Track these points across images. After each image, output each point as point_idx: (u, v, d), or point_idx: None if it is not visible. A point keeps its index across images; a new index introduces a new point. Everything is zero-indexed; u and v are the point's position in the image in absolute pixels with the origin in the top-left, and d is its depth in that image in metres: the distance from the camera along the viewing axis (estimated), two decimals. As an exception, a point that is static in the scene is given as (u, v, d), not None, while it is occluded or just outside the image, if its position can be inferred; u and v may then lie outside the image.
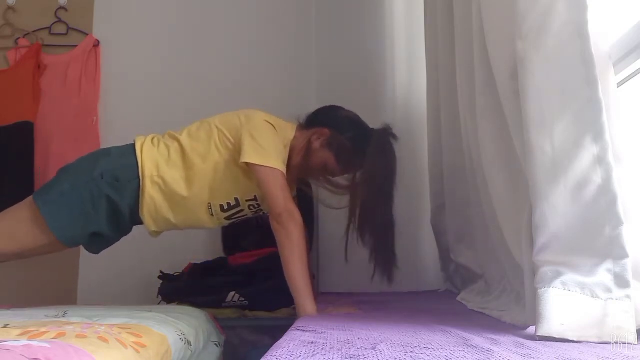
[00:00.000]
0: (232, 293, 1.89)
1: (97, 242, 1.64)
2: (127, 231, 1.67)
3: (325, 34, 2.46)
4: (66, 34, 2.54)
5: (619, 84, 1.13)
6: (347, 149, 1.58)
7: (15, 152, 2.35)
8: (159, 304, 1.91)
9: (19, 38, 2.51)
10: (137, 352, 0.96)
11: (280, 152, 1.53)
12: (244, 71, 2.55)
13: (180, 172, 1.56)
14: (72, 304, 1.84)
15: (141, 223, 1.62)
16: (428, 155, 1.98)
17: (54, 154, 2.41)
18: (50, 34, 2.53)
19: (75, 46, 2.51)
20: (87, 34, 2.53)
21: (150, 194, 1.55)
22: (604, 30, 0.94)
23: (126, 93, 2.53)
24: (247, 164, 1.49)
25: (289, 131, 1.61)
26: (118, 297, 2.18)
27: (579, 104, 0.88)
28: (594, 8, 0.89)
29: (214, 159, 1.55)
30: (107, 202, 1.54)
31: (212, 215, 1.60)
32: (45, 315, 1.24)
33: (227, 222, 1.66)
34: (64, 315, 1.24)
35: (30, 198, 1.58)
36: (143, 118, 2.51)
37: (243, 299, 1.91)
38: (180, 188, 1.55)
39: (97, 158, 1.63)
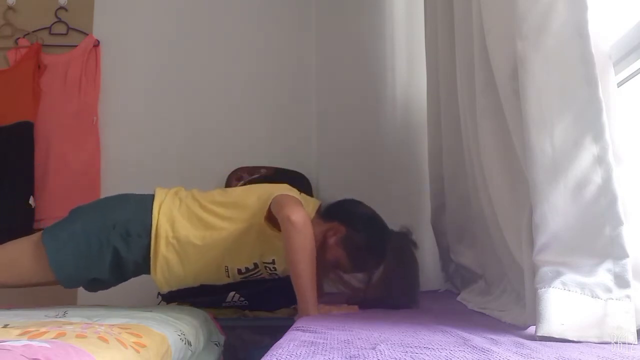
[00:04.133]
0: (232, 293, 1.89)
1: (96, 286, 1.64)
2: (126, 279, 1.66)
3: (326, 34, 2.46)
4: (66, 34, 2.54)
5: (619, 84, 1.13)
6: (360, 249, 1.52)
7: (15, 152, 2.36)
8: (159, 304, 1.91)
9: (19, 38, 2.51)
10: (137, 352, 0.96)
11: (302, 201, 1.51)
12: (244, 71, 2.55)
13: (199, 232, 1.54)
14: (72, 304, 1.84)
15: (143, 273, 1.61)
16: (428, 155, 1.98)
17: (54, 154, 2.41)
18: (50, 34, 2.53)
19: (75, 46, 2.51)
20: (87, 34, 2.53)
21: (164, 254, 1.53)
22: (604, 30, 0.94)
23: (126, 93, 2.53)
24: (269, 216, 1.48)
25: (312, 205, 1.59)
26: (118, 297, 2.17)
27: (579, 104, 0.88)
28: (594, 8, 0.89)
29: (235, 224, 1.54)
30: (114, 253, 1.53)
31: (228, 277, 1.61)
32: (45, 315, 1.24)
33: (241, 280, 1.65)
34: (64, 315, 1.24)
35: (39, 234, 1.57)
36: (143, 118, 2.51)
37: (243, 299, 1.90)
38: (196, 248, 1.54)
39: (113, 206, 1.61)
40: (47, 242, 1.52)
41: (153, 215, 1.54)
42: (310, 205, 1.58)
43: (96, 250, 1.52)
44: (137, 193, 1.65)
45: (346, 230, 1.53)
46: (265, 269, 1.60)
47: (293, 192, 1.56)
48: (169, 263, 1.54)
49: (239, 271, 1.59)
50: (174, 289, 1.64)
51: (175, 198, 1.59)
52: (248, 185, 1.68)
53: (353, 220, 1.56)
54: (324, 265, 1.54)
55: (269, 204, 1.49)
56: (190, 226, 1.54)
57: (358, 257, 1.53)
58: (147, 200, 1.58)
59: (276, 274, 1.62)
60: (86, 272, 1.55)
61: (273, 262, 1.58)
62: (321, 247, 1.50)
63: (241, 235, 1.53)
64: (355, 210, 1.60)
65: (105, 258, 1.53)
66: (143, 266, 1.56)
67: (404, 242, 1.51)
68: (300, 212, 1.39)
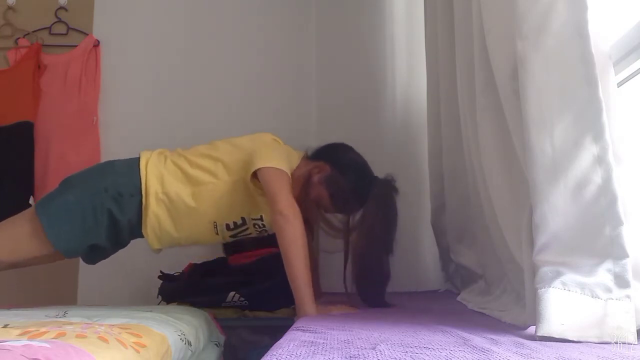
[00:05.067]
0: (232, 293, 1.89)
1: (95, 254, 1.64)
2: (124, 244, 1.68)
3: (326, 35, 2.46)
4: (66, 34, 2.54)
5: (619, 84, 1.13)
6: (344, 190, 1.56)
7: (15, 152, 2.36)
8: (159, 304, 1.91)
9: (19, 38, 2.51)
10: (137, 352, 0.96)
11: (287, 163, 1.53)
12: (244, 71, 2.55)
13: (187, 189, 1.56)
14: (72, 304, 1.84)
15: (140, 237, 1.62)
16: (428, 155, 1.98)
17: (54, 154, 2.41)
18: (50, 34, 2.53)
19: (75, 46, 2.51)
20: (87, 34, 2.52)
21: (155, 211, 1.55)
22: (604, 30, 0.94)
23: (126, 93, 2.53)
24: (255, 173, 1.49)
25: (295, 158, 1.61)
26: (118, 297, 2.18)
27: (579, 104, 0.88)
28: (594, 8, 0.89)
29: (222, 178, 1.56)
30: (109, 216, 1.54)
31: (217, 233, 1.61)
32: (45, 315, 1.24)
33: (231, 239, 1.67)
34: (64, 315, 1.24)
35: (32, 208, 1.59)
36: (143, 118, 2.51)
37: (243, 299, 1.91)
38: (187, 202, 1.55)
39: (102, 171, 1.63)
40: (42, 214, 1.53)
41: (141, 174, 1.56)
42: (295, 156, 1.61)
43: (91, 216, 1.53)
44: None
45: (331, 170, 1.58)
46: (254, 226, 1.61)
47: (278, 146, 1.57)
48: (159, 219, 1.56)
49: (227, 227, 1.60)
50: (166, 246, 1.65)
51: (160, 156, 1.61)
52: (232, 141, 1.64)
53: (340, 162, 1.60)
54: (306, 202, 1.58)
55: (253, 164, 1.50)
56: (178, 182, 1.56)
57: (339, 198, 1.57)
58: (133, 162, 1.60)
59: (265, 231, 1.63)
60: (84, 238, 1.55)
61: (261, 219, 1.59)
62: (305, 184, 1.56)
63: (228, 191, 1.55)
64: (345, 154, 1.64)
65: (101, 222, 1.54)
66: (137, 226, 1.57)
67: (387, 189, 1.55)
68: (289, 204, 1.42)
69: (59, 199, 1.56)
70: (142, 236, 1.61)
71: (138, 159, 1.60)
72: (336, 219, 1.63)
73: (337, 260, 1.84)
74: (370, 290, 1.51)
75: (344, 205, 1.58)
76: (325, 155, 1.62)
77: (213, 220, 1.58)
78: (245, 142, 1.62)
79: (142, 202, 1.54)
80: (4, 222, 1.61)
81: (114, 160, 1.67)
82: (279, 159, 1.52)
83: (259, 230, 1.63)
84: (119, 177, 1.58)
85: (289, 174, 1.51)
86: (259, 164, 1.49)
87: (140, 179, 1.55)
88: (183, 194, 1.55)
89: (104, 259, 1.69)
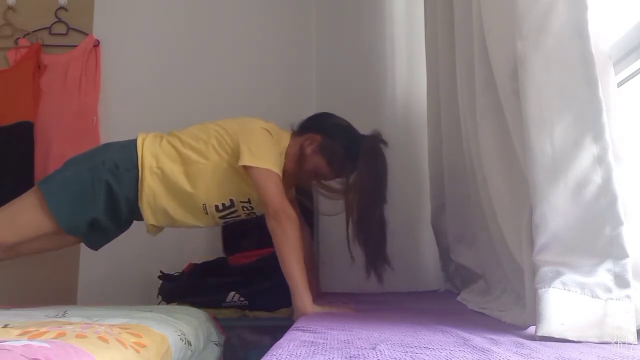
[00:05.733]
0: (232, 293, 1.89)
1: (96, 234, 1.66)
2: (124, 224, 1.70)
3: (325, 34, 2.46)
4: (66, 34, 2.54)
5: (619, 84, 1.13)
6: (338, 154, 1.61)
7: (15, 152, 2.36)
8: (159, 304, 1.91)
9: (19, 38, 2.51)
10: (137, 352, 0.96)
11: (276, 157, 1.57)
12: (244, 71, 2.55)
13: (179, 167, 1.60)
14: (72, 304, 1.84)
15: (139, 218, 1.65)
16: (428, 155, 1.98)
17: (54, 154, 2.40)
18: (50, 34, 2.53)
19: (75, 46, 2.51)
20: (87, 34, 2.53)
21: (150, 184, 1.59)
22: (604, 30, 0.94)
23: (126, 93, 2.53)
24: (244, 167, 1.52)
25: (285, 139, 1.65)
26: (118, 297, 2.18)
27: (579, 104, 0.88)
28: (594, 8, 0.89)
29: (212, 160, 1.59)
30: (106, 188, 1.58)
31: (206, 213, 1.64)
32: (45, 315, 1.24)
33: (221, 222, 1.70)
34: (64, 315, 1.24)
35: (34, 187, 1.62)
36: (143, 118, 2.51)
37: (243, 299, 1.90)
38: (179, 180, 1.59)
39: (100, 149, 1.71)
40: (44, 188, 1.57)
41: (137, 149, 1.60)
42: (284, 137, 1.66)
43: (89, 187, 1.57)
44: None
45: (322, 138, 1.63)
46: (243, 208, 1.65)
47: (266, 144, 1.57)
48: (154, 192, 1.60)
49: (217, 208, 1.63)
50: (160, 224, 1.67)
51: (156, 137, 1.66)
52: (222, 124, 1.67)
53: (327, 128, 1.66)
54: (304, 176, 1.66)
55: (241, 163, 1.52)
56: (171, 161, 1.60)
57: (335, 161, 1.62)
58: (131, 140, 1.65)
59: (254, 213, 1.67)
60: (84, 211, 1.58)
61: (249, 202, 1.63)
62: (299, 158, 1.62)
63: (217, 171, 1.59)
64: (328, 119, 1.70)
65: (99, 194, 1.57)
66: (134, 202, 1.61)
67: (374, 142, 1.60)
68: (282, 206, 1.46)
69: (59, 175, 1.62)
70: (140, 217, 1.64)
71: (135, 139, 1.65)
72: (336, 182, 1.68)
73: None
74: (371, 242, 1.56)
75: (340, 167, 1.63)
76: (311, 126, 1.68)
77: (203, 201, 1.61)
78: (234, 126, 1.64)
79: (138, 176, 1.58)
80: (7, 204, 1.63)
81: (113, 142, 1.72)
82: (266, 155, 1.54)
83: (247, 212, 1.67)
84: (116, 152, 1.63)
85: (279, 173, 1.53)
86: (247, 160, 1.52)
87: (136, 155, 1.60)
88: (176, 171, 1.59)
89: (106, 242, 1.72)
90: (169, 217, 1.64)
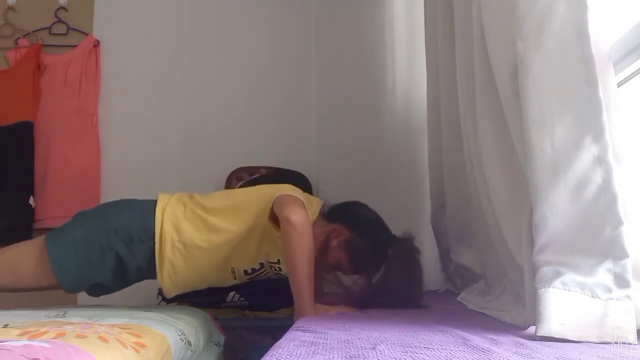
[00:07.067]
0: (232, 293, 1.89)
1: (98, 291, 1.63)
2: (130, 284, 1.65)
3: (325, 34, 2.46)
4: (66, 34, 2.54)
5: (619, 84, 1.13)
6: (362, 253, 1.53)
7: (15, 152, 2.36)
8: (159, 304, 1.91)
9: (19, 38, 2.51)
10: (137, 352, 0.96)
11: (305, 200, 1.52)
12: (244, 71, 2.56)
13: (204, 236, 1.54)
14: (72, 304, 1.84)
15: (146, 278, 1.62)
16: (428, 155, 1.98)
17: (54, 154, 2.41)
18: (50, 34, 2.53)
19: (75, 46, 2.51)
20: (87, 34, 2.53)
21: (170, 259, 1.53)
22: (604, 30, 0.94)
23: (126, 93, 2.53)
24: (273, 215, 1.47)
25: (315, 204, 1.59)
26: (118, 297, 2.17)
27: (579, 104, 0.88)
28: (594, 8, 0.89)
29: (240, 227, 1.53)
30: (116, 258, 1.53)
31: (234, 278, 1.61)
32: (45, 315, 1.24)
33: (247, 280, 1.66)
34: (64, 315, 1.24)
35: (41, 237, 1.57)
36: (143, 118, 2.51)
37: (243, 299, 1.90)
38: (203, 251, 1.53)
39: (116, 210, 1.61)
40: (50, 246, 1.52)
41: (156, 219, 1.53)
42: (314, 205, 1.58)
43: (98, 256, 1.51)
44: (139, 198, 1.64)
45: (349, 233, 1.54)
46: (271, 268, 1.60)
47: (296, 192, 1.56)
48: (175, 267, 1.54)
49: (245, 272, 1.59)
50: (181, 292, 1.64)
51: (179, 202, 1.58)
52: (251, 187, 1.66)
53: (357, 223, 1.56)
54: (324, 266, 1.55)
55: (272, 204, 1.48)
56: (195, 230, 1.53)
57: (359, 260, 1.54)
58: (149, 205, 1.57)
59: (280, 274, 1.62)
60: (88, 277, 1.54)
61: (278, 262, 1.57)
62: (323, 247, 1.51)
63: (247, 237, 1.53)
64: (359, 213, 1.61)
65: (107, 263, 1.52)
66: (147, 272, 1.56)
67: (407, 247, 1.51)
68: (300, 213, 1.39)
69: (69, 234, 1.54)
70: (149, 278, 1.60)
71: (154, 202, 1.58)
72: (350, 280, 1.59)
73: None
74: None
75: (363, 266, 1.54)
76: (341, 216, 1.58)
77: (231, 266, 1.57)
78: (263, 188, 1.61)
79: (156, 249, 1.52)
80: (10, 247, 1.60)
81: (131, 200, 1.64)
82: (297, 193, 1.52)
83: (275, 272, 1.61)
84: (131, 219, 1.55)
85: (305, 205, 1.48)
86: (277, 194, 1.49)
87: (154, 224, 1.53)
88: (199, 241, 1.53)
89: (107, 294, 1.66)
90: (190, 286, 1.62)
